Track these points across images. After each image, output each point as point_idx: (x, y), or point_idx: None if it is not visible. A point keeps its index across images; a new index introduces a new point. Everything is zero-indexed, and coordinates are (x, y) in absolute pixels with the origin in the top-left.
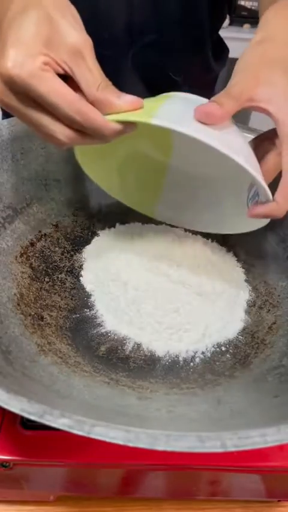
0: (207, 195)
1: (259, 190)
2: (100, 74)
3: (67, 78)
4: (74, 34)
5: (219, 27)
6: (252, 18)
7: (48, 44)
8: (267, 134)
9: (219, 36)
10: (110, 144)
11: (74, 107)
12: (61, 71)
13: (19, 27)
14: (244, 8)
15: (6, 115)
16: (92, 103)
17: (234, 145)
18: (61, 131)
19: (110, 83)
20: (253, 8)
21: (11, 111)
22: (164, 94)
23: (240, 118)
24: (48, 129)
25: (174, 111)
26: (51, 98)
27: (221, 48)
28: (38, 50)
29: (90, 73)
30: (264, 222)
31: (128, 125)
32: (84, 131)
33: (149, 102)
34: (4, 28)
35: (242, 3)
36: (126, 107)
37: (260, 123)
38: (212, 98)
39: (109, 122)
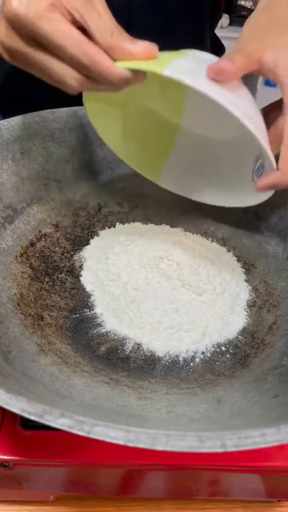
0: (215, 164)
1: (263, 157)
2: (113, 21)
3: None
4: None
5: (216, 24)
6: None
7: None
8: (278, 102)
9: (215, 34)
10: (120, 99)
11: (80, 48)
12: (70, 19)
13: None
14: (244, 8)
15: (5, 115)
16: (105, 51)
17: (241, 105)
18: (70, 74)
19: (123, 30)
20: (253, 8)
21: (17, 56)
22: (182, 50)
23: None
24: (56, 72)
25: (188, 66)
26: (57, 38)
27: (217, 47)
28: None
29: (102, 20)
30: (269, 194)
31: (138, 74)
32: (91, 76)
33: (165, 54)
34: None
35: (242, 3)
36: (139, 53)
37: None
38: (223, 55)
39: (117, 67)
